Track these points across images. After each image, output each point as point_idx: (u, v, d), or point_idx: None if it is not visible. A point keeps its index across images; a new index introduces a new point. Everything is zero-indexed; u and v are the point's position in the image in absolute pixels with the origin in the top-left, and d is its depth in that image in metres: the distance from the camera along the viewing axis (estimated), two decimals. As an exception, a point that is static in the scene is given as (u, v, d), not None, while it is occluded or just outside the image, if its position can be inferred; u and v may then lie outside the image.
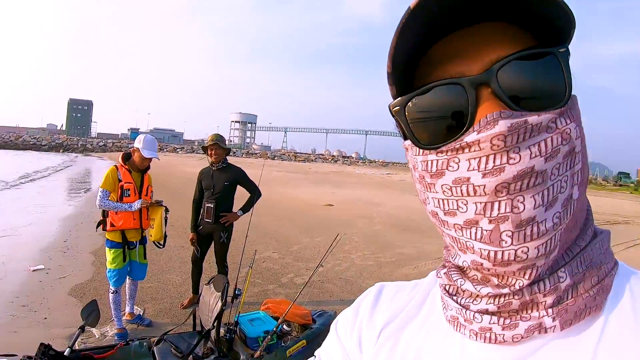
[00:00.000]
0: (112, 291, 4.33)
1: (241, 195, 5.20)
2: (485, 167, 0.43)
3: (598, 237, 0.50)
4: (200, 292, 5.11)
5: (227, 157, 5.18)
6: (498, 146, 0.42)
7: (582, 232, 0.49)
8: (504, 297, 0.47)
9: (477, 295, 0.49)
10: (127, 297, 4.71)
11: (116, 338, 4.27)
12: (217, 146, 4.97)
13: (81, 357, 2.99)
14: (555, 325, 0.45)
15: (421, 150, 0.49)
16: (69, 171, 31.26)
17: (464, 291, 0.52)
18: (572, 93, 0.45)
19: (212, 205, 4.96)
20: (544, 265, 0.45)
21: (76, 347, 3.01)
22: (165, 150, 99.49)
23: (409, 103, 0.48)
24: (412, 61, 0.49)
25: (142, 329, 4.60)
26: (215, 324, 3.15)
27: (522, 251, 0.43)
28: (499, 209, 0.43)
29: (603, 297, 0.46)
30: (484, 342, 0.48)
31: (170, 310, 5.12)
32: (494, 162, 0.42)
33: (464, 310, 0.50)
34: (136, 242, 4.43)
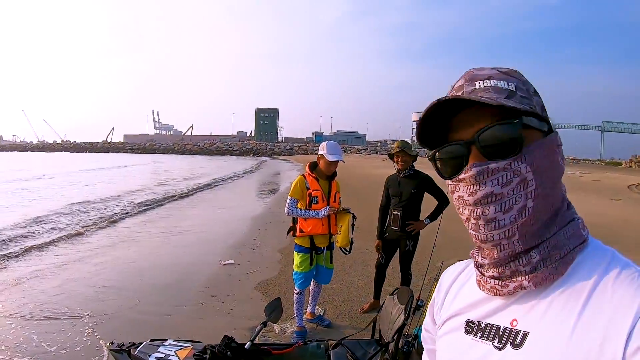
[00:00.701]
0: (296, 292, 4.38)
1: (428, 201, 4.88)
2: (469, 191, 0.74)
3: (564, 227, 0.76)
4: (382, 300, 4.96)
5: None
6: (473, 181, 0.73)
7: (550, 225, 0.75)
8: (501, 267, 0.76)
9: (487, 266, 0.80)
10: (310, 297, 4.72)
11: (295, 335, 4.31)
12: (404, 153, 4.73)
13: (260, 351, 2.97)
14: (530, 285, 0.73)
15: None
16: (259, 173, 34.19)
17: (482, 264, 0.81)
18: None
19: (398, 213, 4.76)
20: (508, 245, 0.73)
21: (257, 341, 3.01)
22: (349, 151, 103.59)
23: (437, 154, 0.81)
24: (442, 127, 0.82)
25: (321, 330, 4.56)
26: (395, 337, 2.87)
27: (490, 235, 0.74)
28: (477, 213, 0.74)
29: (565, 267, 0.72)
30: (494, 295, 0.78)
31: (350, 313, 5.01)
32: (472, 188, 0.74)
33: (482, 276, 0.81)
34: (324, 247, 4.42)
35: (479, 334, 0.78)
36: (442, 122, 0.80)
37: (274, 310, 3.24)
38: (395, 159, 4.77)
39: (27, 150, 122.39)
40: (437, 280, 3.58)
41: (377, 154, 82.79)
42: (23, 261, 7.36)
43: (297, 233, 4.32)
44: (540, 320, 0.70)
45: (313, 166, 4.40)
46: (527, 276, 0.73)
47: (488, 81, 0.75)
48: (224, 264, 7.06)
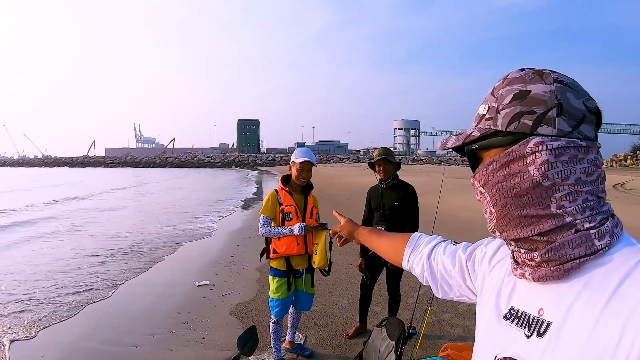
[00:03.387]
0: (273, 321, 3.89)
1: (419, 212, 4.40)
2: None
3: (593, 226, 0.76)
4: (369, 322, 4.54)
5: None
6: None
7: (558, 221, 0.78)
8: (531, 260, 0.78)
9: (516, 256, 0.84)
10: (289, 324, 4.24)
11: (272, 369, 3.83)
12: (386, 161, 4.23)
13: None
14: (553, 276, 0.75)
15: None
16: (239, 185, 33.65)
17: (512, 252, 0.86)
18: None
19: (382, 228, 4.15)
20: (500, 236, 0.83)
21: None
22: (331, 161, 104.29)
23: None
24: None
25: (302, 361, 4.09)
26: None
27: (489, 225, 0.84)
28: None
29: (586, 262, 0.73)
30: (522, 279, 0.82)
31: (334, 339, 4.55)
32: None
33: (514, 263, 0.84)
34: (302, 270, 3.91)
35: (515, 321, 0.81)
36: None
37: (248, 342, 2.77)
38: (377, 168, 4.28)
39: (7, 166, 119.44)
40: (431, 305, 3.15)
41: (360, 163, 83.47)
42: None
43: (271, 254, 3.80)
44: (566, 312, 0.72)
45: (286, 180, 3.88)
46: (550, 269, 0.76)
47: (480, 106, 0.84)
48: (199, 285, 6.59)
